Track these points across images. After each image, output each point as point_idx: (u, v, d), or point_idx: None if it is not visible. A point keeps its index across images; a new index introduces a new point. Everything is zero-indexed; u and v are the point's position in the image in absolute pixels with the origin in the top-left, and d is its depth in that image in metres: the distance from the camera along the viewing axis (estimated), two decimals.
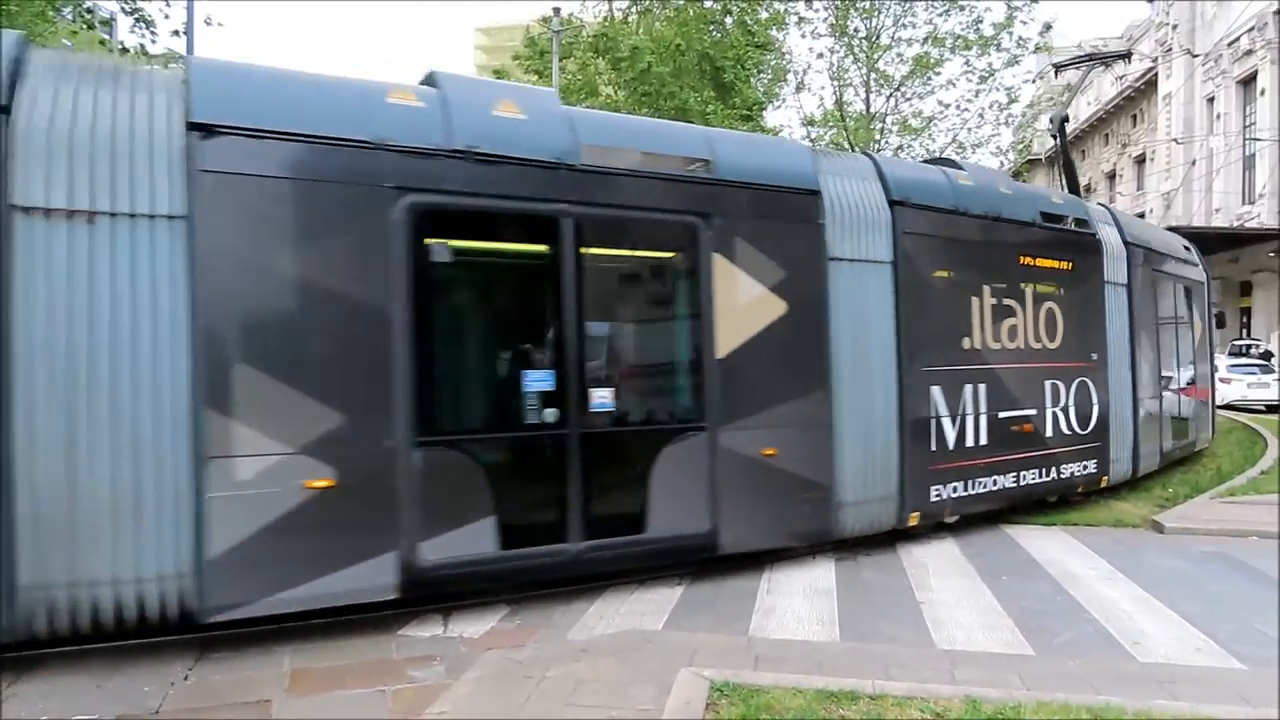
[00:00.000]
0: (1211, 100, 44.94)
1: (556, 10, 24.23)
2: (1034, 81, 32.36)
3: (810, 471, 7.09)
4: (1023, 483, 8.84)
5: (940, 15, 22.65)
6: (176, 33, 15.82)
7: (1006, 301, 8.74)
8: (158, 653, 5.19)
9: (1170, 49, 46.95)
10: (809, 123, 23.86)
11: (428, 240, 5.67)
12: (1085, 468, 9.58)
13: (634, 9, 25.21)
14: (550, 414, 6.05)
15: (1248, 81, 42.67)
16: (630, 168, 6.47)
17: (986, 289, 8.56)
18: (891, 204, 7.80)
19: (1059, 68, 21.72)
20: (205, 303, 5.04)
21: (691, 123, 24.49)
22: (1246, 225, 41.89)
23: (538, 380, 6.05)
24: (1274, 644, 5.54)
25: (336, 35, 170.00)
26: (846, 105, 23.38)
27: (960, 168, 9.20)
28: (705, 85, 22.20)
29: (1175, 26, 46.36)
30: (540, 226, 6.10)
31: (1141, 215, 42.88)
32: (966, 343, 8.36)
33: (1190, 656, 5.33)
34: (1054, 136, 16.50)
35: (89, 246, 4.84)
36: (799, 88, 24.16)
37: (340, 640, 5.50)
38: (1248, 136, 41.68)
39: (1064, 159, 15.51)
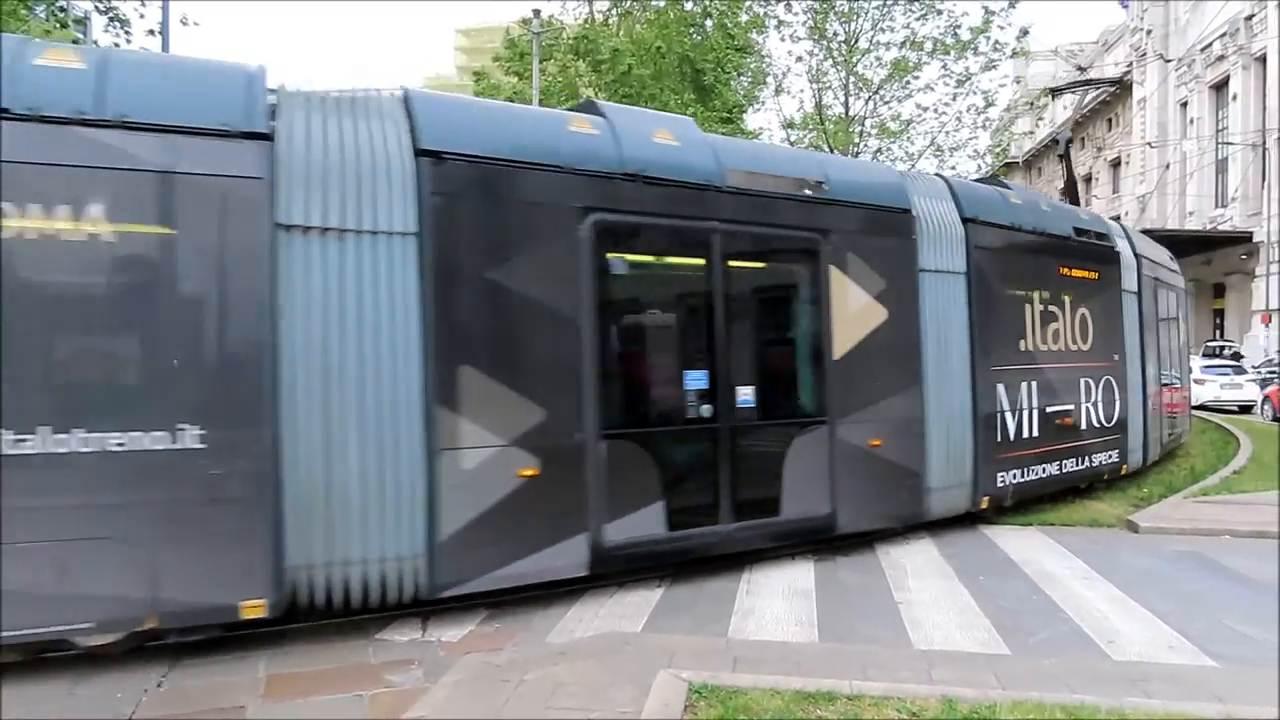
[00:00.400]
0: (1185, 105, 45.52)
1: (536, 12, 24.21)
2: (1010, 85, 32.61)
3: (907, 461, 7.97)
4: (1063, 470, 9.79)
5: (918, 20, 22.83)
6: (152, 32, 15.67)
7: (1051, 308, 9.67)
8: (131, 660, 5.13)
9: (1145, 54, 47.54)
10: (789, 125, 23.98)
11: (608, 254, 6.41)
12: (1110, 457, 10.56)
13: (614, 11, 25.23)
14: (705, 409, 6.79)
15: (1220, 86, 43.26)
16: (762, 189, 7.23)
17: (1036, 296, 9.48)
18: (964, 221, 8.68)
19: (1055, 92, 21.99)
20: (435, 311, 5.61)
21: None
22: (1219, 228, 42.49)
23: (696, 379, 6.81)
24: (1245, 641, 5.61)
25: (313, 35, 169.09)
26: (826, 108, 23.51)
27: (1008, 188, 10.27)
28: (685, 88, 22.26)
29: (1149, 32, 46.91)
30: (695, 242, 6.87)
31: (1117, 218, 43.19)
32: (1022, 345, 9.27)
33: (1163, 654, 5.39)
34: (1060, 157, 17.41)
35: (339, 261, 5.41)
36: (778, 90, 24.29)
37: (317, 645, 5.46)
38: (1220, 141, 42.26)
39: (1068, 177, 16.60)
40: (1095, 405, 10.26)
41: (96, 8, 13.84)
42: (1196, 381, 23.45)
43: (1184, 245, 35.68)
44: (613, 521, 6.27)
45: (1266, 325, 36.71)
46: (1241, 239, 39.35)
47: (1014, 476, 9.04)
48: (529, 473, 5.89)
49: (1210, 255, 41.04)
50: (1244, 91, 40.84)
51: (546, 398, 6.01)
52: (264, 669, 5.09)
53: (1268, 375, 26.04)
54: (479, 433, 5.74)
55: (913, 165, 22.16)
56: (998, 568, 7.41)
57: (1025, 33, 23.40)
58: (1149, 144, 46.55)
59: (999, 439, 8.85)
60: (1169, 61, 44.41)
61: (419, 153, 5.67)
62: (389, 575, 5.52)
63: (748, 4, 23.28)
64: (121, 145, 4.87)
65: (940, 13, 22.76)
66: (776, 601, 6.41)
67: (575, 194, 6.23)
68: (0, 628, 4.60)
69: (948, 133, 23.14)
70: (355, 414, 5.38)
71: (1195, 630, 5.77)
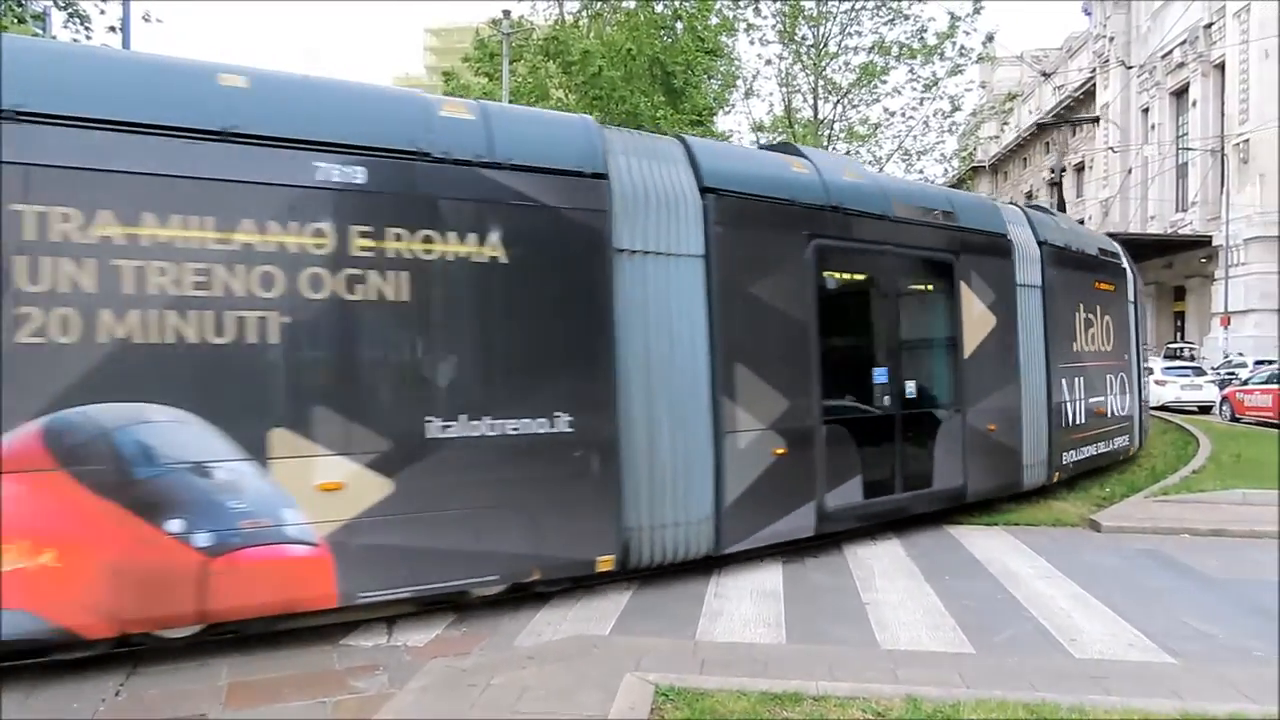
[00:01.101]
0: (1146, 111, 46.35)
1: (506, 13, 24.11)
2: (976, 89, 33.01)
3: (1011, 442, 9.67)
4: (1098, 451, 11.62)
5: (886, 24, 23.05)
6: (113, 29, 15.41)
7: (1089, 315, 11.49)
8: (89, 667, 5.03)
9: (1107, 60, 48.30)
10: (758, 129, 24.09)
11: (823, 273, 7.78)
12: (1124, 440, 12.63)
13: (584, 13, 25.18)
14: (886, 400, 8.33)
15: (1180, 93, 44.11)
16: (916, 219, 8.79)
17: (1081, 306, 11.27)
18: (1039, 243, 10.43)
19: (1042, 126, 22.33)
20: (717, 319, 6.90)
21: (641, 127, 24.57)
22: (1179, 232, 43.31)
23: (880, 376, 8.34)
24: (1203, 638, 5.71)
25: (279, 33, 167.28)
26: (795, 112, 23.66)
27: (1052, 213, 11.97)
28: (656, 90, 22.26)
29: (1112, 39, 47.70)
30: (875, 262, 8.38)
31: (1081, 222, 43.93)
32: (1074, 347, 11.01)
33: (1124, 652, 5.47)
34: (1053, 185, 18.76)
35: (653, 279, 6.64)
36: (748, 94, 24.38)
37: (280, 651, 5.39)
38: (1180, 146, 43.08)
39: (1059, 201, 18.88)
40: (1115, 397, 12.16)
41: (55, 3, 13.59)
42: (1158, 383, 23.89)
43: (1146, 249, 36.38)
44: (830, 491, 7.69)
45: (1225, 328, 37.42)
46: (1201, 243, 40.17)
47: (1072, 456, 10.79)
48: (780, 451, 7.28)
49: (1171, 259, 41.85)
50: (1203, 98, 41.73)
51: (789, 390, 7.36)
52: (226, 676, 5.01)
53: (1226, 376, 26.60)
54: (748, 418, 7.09)
55: (880, 168, 22.35)
56: (963, 568, 7.49)
57: (990, 38, 23.72)
58: (1111, 149, 47.34)
59: (1063, 424, 10.54)
60: (1130, 68, 45.17)
61: (702, 190, 6.99)
62: (690, 536, 6.78)
63: (718, 7, 23.35)
64: (509, 183, 5.97)
65: (907, 18, 23.02)
66: (745, 604, 6.42)
67: (802, 222, 7.61)
68: (439, 581, 5.72)
69: (915, 137, 23.41)
70: (666, 404, 6.62)
71: (1155, 628, 5.87)
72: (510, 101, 21.59)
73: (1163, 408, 23.05)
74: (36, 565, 4.67)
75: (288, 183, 5.27)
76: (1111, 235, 19.49)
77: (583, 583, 6.60)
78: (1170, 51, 44.14)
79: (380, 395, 5.52)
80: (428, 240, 5.65)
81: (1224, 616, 6.15)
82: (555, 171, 6.10)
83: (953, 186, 10.79)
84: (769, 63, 23.83)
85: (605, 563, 6.25)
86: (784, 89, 23.60)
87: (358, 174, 5.46)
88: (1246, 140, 37.56)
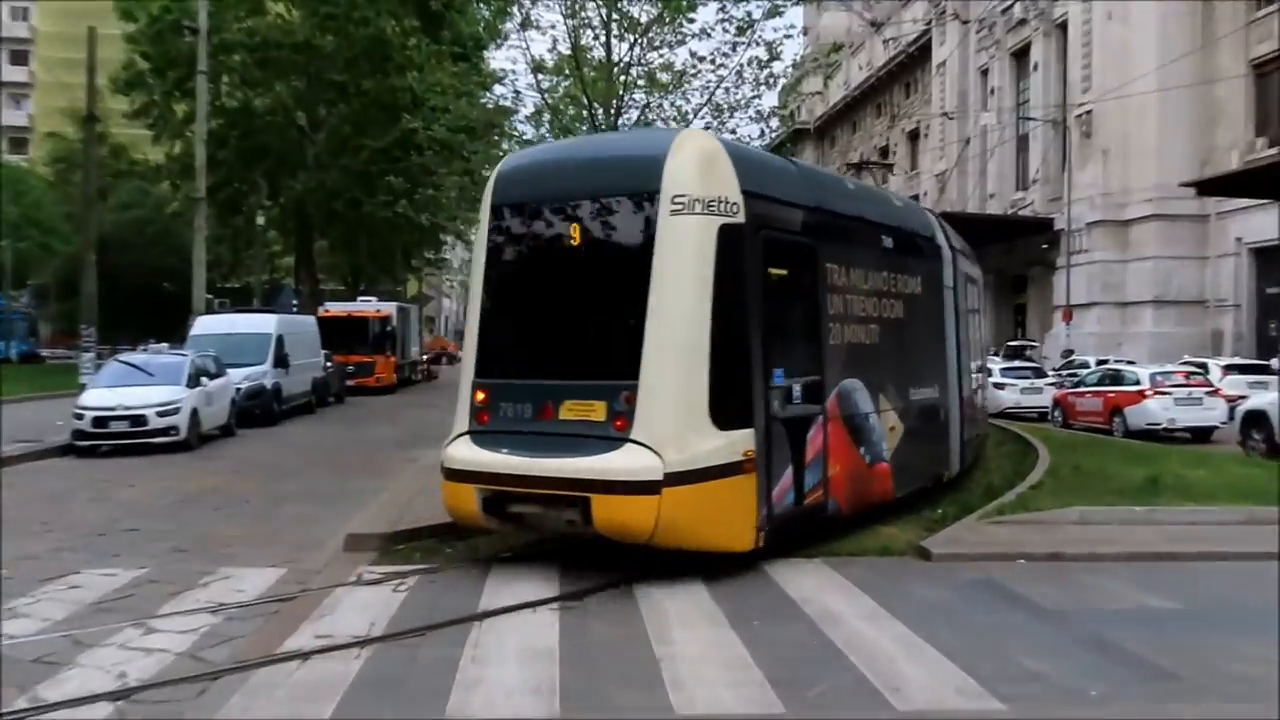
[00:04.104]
0: (985, 72, 50.47)
1: None
2: (799, 37, 34.60)
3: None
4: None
5: None
6: None
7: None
8: None
9: (944, 11, 52.09)
10: (538, 69, 24.06)
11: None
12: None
13: None
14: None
15: (1021, 54, 48.32)
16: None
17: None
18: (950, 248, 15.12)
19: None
20: (958, 317, 14.24)
21: (390, 59, 23.93)
22: (1020, 212, 47.40)
23: None
24: (1034, 679, 6.25)
25: None
26: (584, 50, 23.82)
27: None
28: (407, 13, 21.82)
29: None
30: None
31: (916, 198, 47.23)
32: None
33: (951, 700, 5.88)
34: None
35: (951, 302, 13.95)
36: (525, 24, 24.14)
37: None
38: (1020, 115, 47.13)
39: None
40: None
41: None
42: (997, 386, 26.12)
43: (985, 230, 39.36)
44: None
45: (1068, 323, 41.09)
46: (1042, 225, 43.94)
47: None
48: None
49: (1012, 244, 45.59)
50: (1044, 61, 45.92)
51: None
52: None
53: (1066, 378, 29.43)
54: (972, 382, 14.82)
55: (687, 124, 22.95)
56: (776, 609, 7.81)
57: None
58: (947, 115, 51.09)
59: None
60: (967, 23, 48.95)
61: (950, 248, 14.66)
62: (966, 456, 14.19)
63: None
64: (922, 246, 13.46)
65: None
66: (510, 667, 6.37)
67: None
68: (917, 482, 12.61)
69: (727, 89, 24.15)
70: (962, 380, 14.10)
71: (985, 670, 6.35)
72: (212, 14, 20.40)
73: (1002, 414, 25.21)
74: (835, 474, 10.19)
75: (879, 248, 11.88)
76: (948, 215, 21.16)
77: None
78: (1011, 6, 48.14)
79: (901, 375, 12.02)
80: (907, 278, 12.33)
81: (1059, 652, 6.76)
82: (923, 238, 13.35)
83: (774, 151, 11.73)
84: None
85: (948, 476, 13.52)
86: (570, 21, 23.67)
87: (889, 242, 12.10)
88: (1089, 111, 41.48)
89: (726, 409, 8.61)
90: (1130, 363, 27.24)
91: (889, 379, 11.56)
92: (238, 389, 23.28)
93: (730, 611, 7.69)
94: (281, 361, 26.50)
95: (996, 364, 29.05)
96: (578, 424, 8.76)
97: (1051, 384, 28.34)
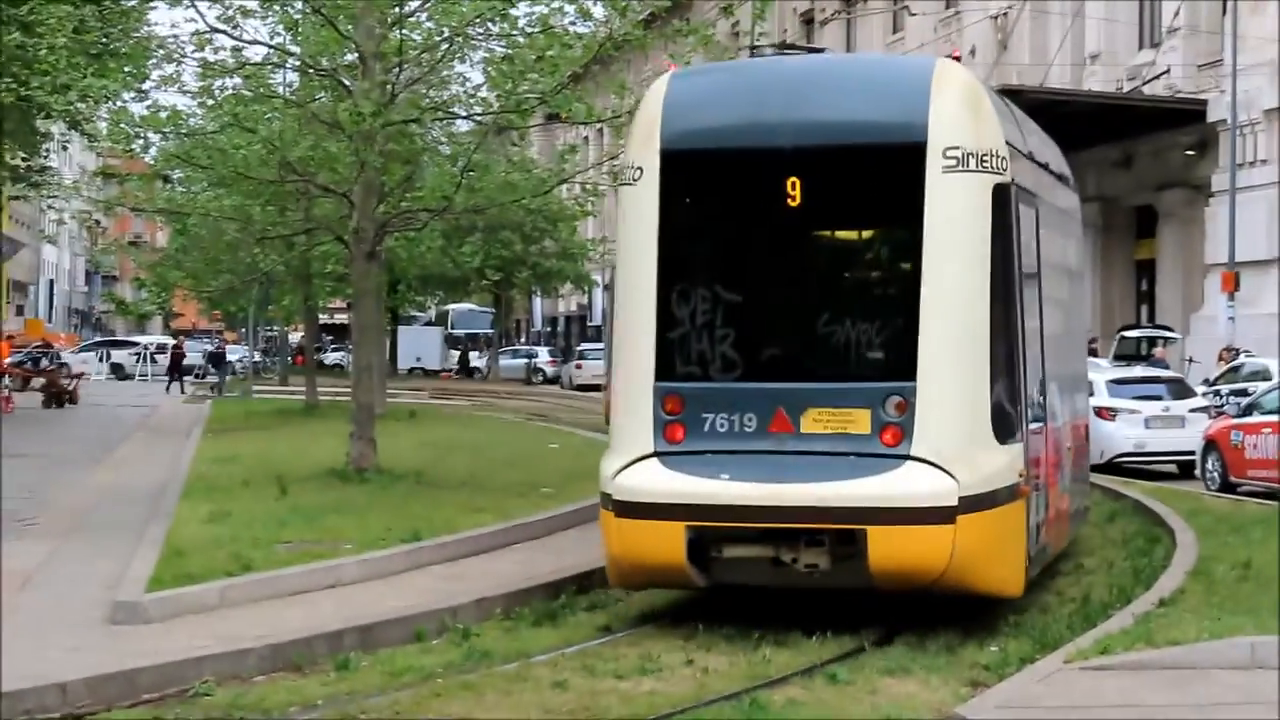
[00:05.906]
0: None
1: None
2: None
3: None
4: None
5: None
6: None
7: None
8: None
9: None
10: None
11: None
12: None
13: None
14: None
15: None
16: None
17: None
18: None
19: None
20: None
21: None
22: (1146, 89, 28.59)
23: None
24: None
25: None
26: None
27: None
28: None
29: None
30: None
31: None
32: None
33: None
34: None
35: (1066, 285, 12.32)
36: None
37: None
38: None
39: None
40: None
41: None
42: (1101, 414, 17.91)
43: (1082, 123, 26.63)
44: None
45: (1231, 296, 25.55)
46: (1187, 115, 28.20)
47: None
48: None
49: (1131, 149, 30.53)
50: None
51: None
52: None
53: (1226, 397, 20.88)
54: None
55: None
56: None
57: None
58: None
59: None
60: None
61: None
62: None
63: None
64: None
65: None
66: None
67: None
68: None
69: None
70: (1066, 358, 11.54)
71: None
72: None
73: (1112, 467, 18.00)
74: (1052, 500, 9.62)
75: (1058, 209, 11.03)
76: (1008, 93, 17.61)
77: None
78: None
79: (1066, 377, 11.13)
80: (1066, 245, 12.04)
81: None
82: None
83: None
84: None
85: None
86: None
87: (1065, 200, 12.17)
88: None
89: (1004, 418, 8.03)
90: None
91: (1067, 382, 10.89)
92: None
93: None
94: None
95: (1100, 373, 19.82)
96: (827, 438, 7.88)
97: (1201, 409, 19.18)
